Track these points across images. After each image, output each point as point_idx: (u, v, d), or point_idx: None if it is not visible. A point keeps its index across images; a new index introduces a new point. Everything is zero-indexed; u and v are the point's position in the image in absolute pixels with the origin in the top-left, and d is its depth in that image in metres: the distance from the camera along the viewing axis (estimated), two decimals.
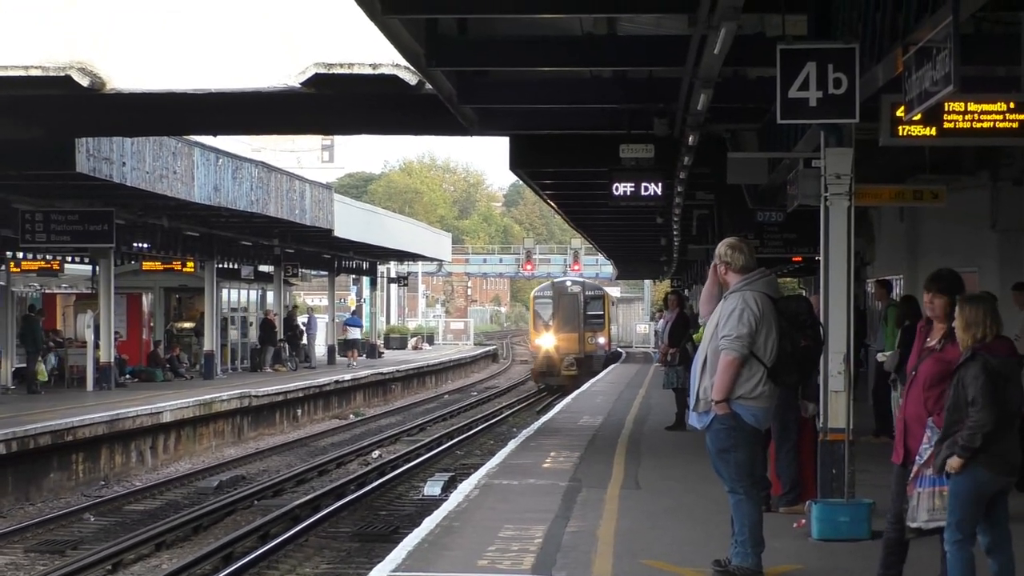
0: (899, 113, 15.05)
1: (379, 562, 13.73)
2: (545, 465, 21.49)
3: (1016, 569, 10.37)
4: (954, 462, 10.09)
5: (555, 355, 60.60)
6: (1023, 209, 26.06)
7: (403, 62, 21.09)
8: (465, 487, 19.21)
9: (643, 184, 25.40)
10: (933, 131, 15.05)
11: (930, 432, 10.60)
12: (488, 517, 16.15)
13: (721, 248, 12.38)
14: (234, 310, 58.81)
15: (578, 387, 44.64)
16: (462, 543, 14.36)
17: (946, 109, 14.71)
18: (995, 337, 10.28)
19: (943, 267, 12.22)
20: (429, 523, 15.76)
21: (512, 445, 25.26)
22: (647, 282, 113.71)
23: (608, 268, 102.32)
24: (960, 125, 14.94)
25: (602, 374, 57.74)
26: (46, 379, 40.89)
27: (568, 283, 67.60)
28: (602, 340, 64.38)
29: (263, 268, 61.22)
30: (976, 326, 10.35)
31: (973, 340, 10.21)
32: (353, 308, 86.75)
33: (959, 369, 10.28)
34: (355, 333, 72.91)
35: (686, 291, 55.49)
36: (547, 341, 61.47)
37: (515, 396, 62.64)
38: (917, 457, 10.82)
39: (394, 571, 12.81)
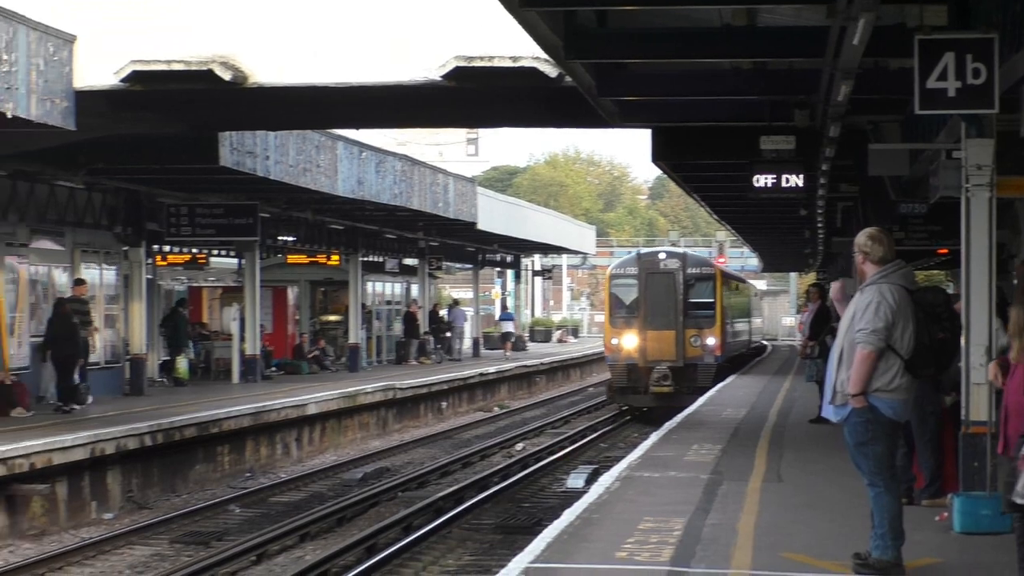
0: None
1: (518, 554, 13.72)
2: (687, 458, 21.42)
3: None
4: None
5: (641, 364, 40.97)
6: None
7: (543, 55, 21.07)
8: (606, 479, 19.23)
9: (784, 176, 25.28)
10: None
11: None
12: (628, 509, 16.15)
13: (860, 238, 12.31)
14: (379, 303, 59.41)
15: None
16: (601, 535, 14.36)
17: None
18: None
19: None
20: (569, 515, 15.79)
21: (654, 438, 25.21)
22: (792, 274, 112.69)
23: (753, 260, 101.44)
24: None
25: (751, 366, 54.00)
26: (185, 375, 41.10)
27: (661, 256, 43.86)
28: (711, 341, 41.79)
29: (408, 261, 61.54)
30: None
31: None
32: (497, 300, 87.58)
33: None
34: (509, 326, 74.31)
35: (828, 283, 54.83)
36: (629, 342, 41.42)
37: None
38: (1022, 436, 10.90)
39: (532, 563, 12.86)
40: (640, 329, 41.63)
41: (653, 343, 41.31)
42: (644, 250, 48.97)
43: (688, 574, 12.18)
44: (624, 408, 43.79)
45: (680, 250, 49.31)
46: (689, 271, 42.57)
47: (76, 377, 30.78)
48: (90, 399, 31.26)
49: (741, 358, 55.50)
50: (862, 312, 12.04)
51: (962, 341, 15.05)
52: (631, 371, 41.70)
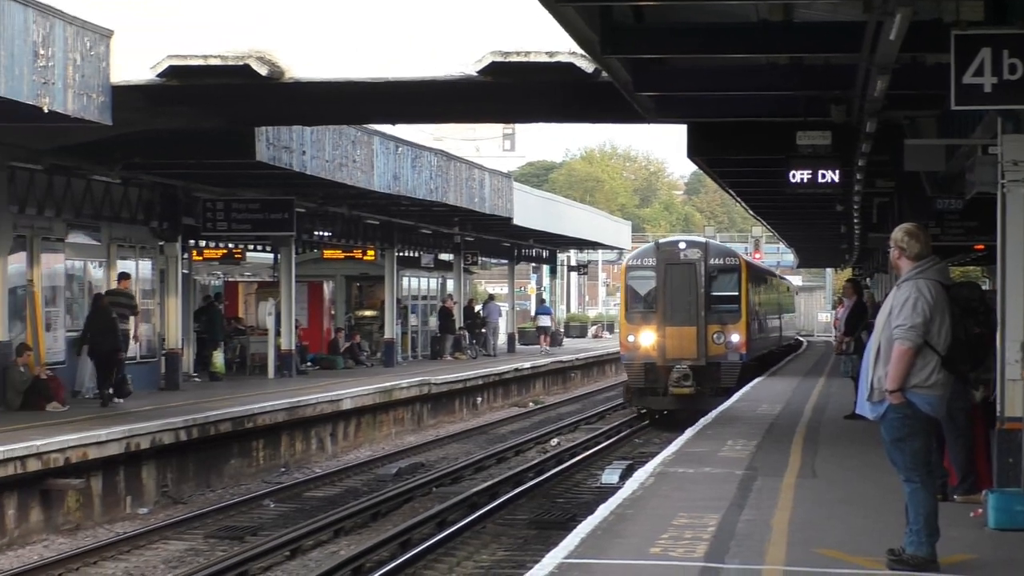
0: None
1: (553, 549, 13.70)
2: (721, 453, 21.42)
3: None
4: None
5: (659, 362, 36.90)
6: None
7: (579, 50, 21.05)
8: (640, 475, 19.23)
9: (820, 171, 25.19)
10: None
11: None
12: (662, 505, 16.15)
13: (897, 233, 12.30)
14: (414, 298, 59.39)
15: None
16: (635, 531, 14.37)
17: None
18: None
19: None
20: (603, 511, 15.81)
21: (689, 433, 25.17)
22: (828, 270, 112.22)
23: (789, 256, 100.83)
24: None
25: (783, 363, 52.56)
26: (222, 370, 41.16)
27: (681, 246, 39.24)
28: (736, 338, 37.68)
29: (443, 256, 61.48)
30: None
31: None
32: (533, 296, 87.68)
33: None
34: (546, 320, 74.45)
35: (867, 280, 54.30)
36: (646, 339, 37.32)
37: None
38: None
39: (567, 558, 12.84)
40: (659, 325, 37.51)
41: (673, 340, 37.04)
42: (663, 239, 43.71)
43: (722, 570, 12.17)
44: (642, 411, 39.67)
45: (702, 239, 44.43)
46: (711, 262, 38.32)
47: (119, 371, 30.78)
48: (121, 399, 31.02)
49: (771, 356, 52.53)
50: (899, 308, 12.00)
51: (997, 337, 15.24)
52: (649, 371, 37.73)
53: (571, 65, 22.46)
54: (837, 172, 25.99)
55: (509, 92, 25.33)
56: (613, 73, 21.17)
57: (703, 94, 24.13)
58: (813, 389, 35.64)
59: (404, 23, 23.43)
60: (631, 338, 38.30)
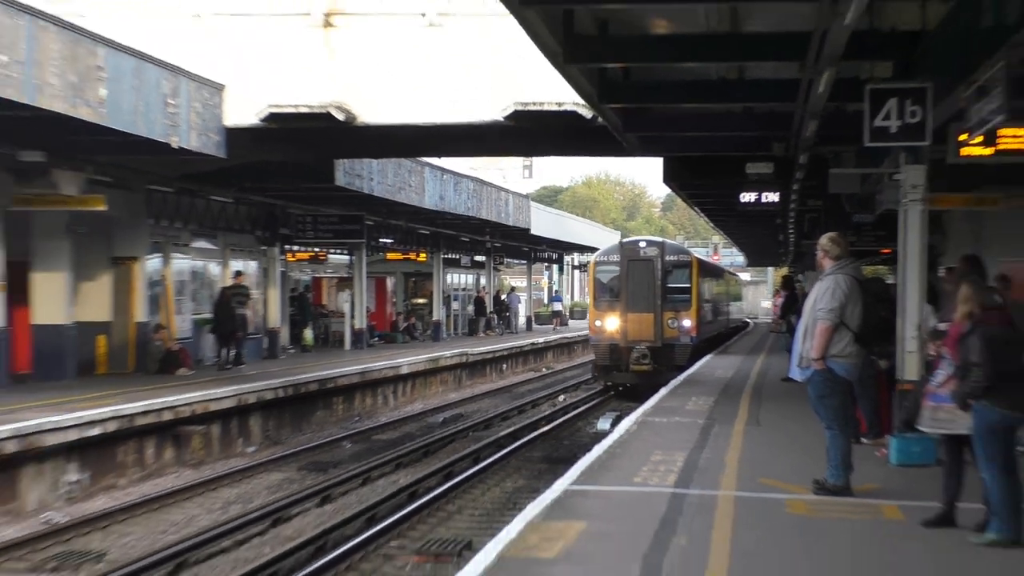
0: (962, 138, 14.68)
1: (560, 478, 13.69)
2: (687, 407, 21.27)
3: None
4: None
5: (622, 344, 34.24)
6: None
7: (580, 101, 20.92)
8: (626, 423, 19.10)
9: (764, 193, 25.12)
10: (990, 151, 14.56)
11: (947, 365, 10.55)
12: (642, 446, 16.07)
13: (822, 240, 12.34)
14: (455, 289, 59.05)
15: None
16: (621, 465, 14.33)
17: (1000, 133, 14.29)
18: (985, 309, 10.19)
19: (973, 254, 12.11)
20: (597, 450, 15.76)
21: (663, 392, 25.00)
22: (770, 268, 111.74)
23: (740, 258, 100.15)
24: (1012, 146, 14.45)
25: (733, 340, 51.63)
26: (311, 344, 41.32)
27: (642, 244, 36.27)
28: (687, 323, 34.94)
29: (477, 258, 61.19)
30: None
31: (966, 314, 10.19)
32: (545, 288, 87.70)
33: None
34: (558, 306, 75.28)
35: (799, 276, 53.80)
36: (611, 324, 34.53)
37: None
38: (932, 379, 10.83)
39: (570, 486, 12.82)
40: (621, 312, 34.67)
41: (633, 325, 34.22)
42: (626, 239, 39.53)
43: (687, 495, 12.15)
44: (608, 384, 36.34)
45: (659, 239, 39.61)
46: (667, 258, 35.41)
47: (237, 346, 30.93)
48: (243, 363, 31.31)
49: (722, 335, 49.47)
50: (822, 296, 12.00)
51: (897, 320, 15.15)
52: (613, 351, 34.80)
53: (575, 112, 22.33)
54: (777, 194, 25.95)
55: (527, 133, 25.16)
56: (607, 119, 21.08)
57: (675, 135, 23.96)
58: (757, 360, 35.39)
59: (447, 79, 23.32)
60: (598, 323, 35.62)
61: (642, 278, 34.58)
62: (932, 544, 10.11)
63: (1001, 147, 14.34)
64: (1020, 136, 14.20)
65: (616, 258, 35.34)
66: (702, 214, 49.78)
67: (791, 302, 28.50)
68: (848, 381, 12.10)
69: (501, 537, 10.36)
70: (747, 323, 77.00)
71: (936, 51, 14.27)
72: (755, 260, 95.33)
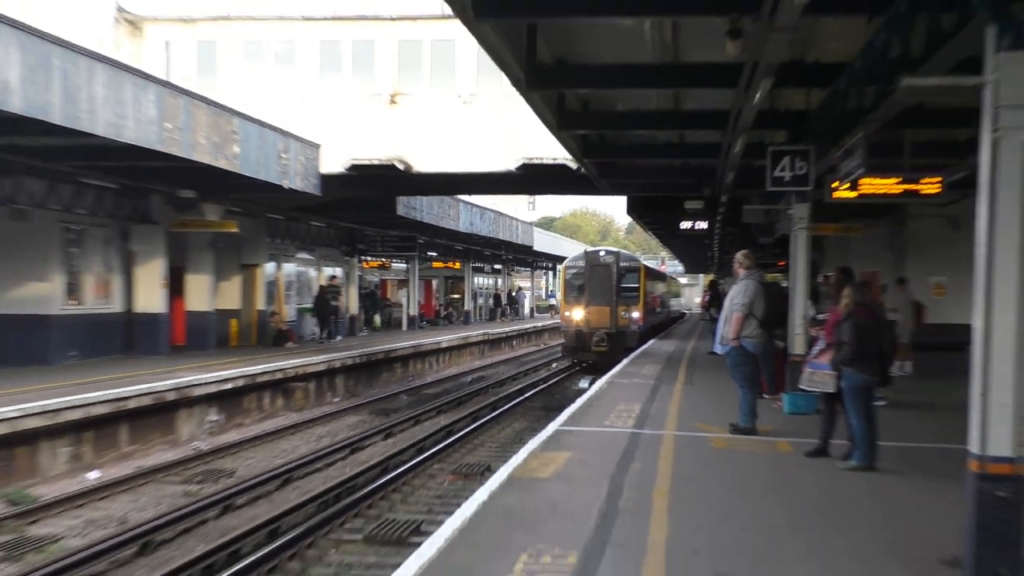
0: (834, 185, 14.67)
1: (552, 421, 13.74)
2: (643, 372, 21.27)
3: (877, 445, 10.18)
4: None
5: (585, 330, 32.29)
6: (903, 238, 25.41)
7: (569, 157, 20.99)
8: (599, 383, 19.14)
9: (697, 222, 25.02)
10: (854, 194, 14.56)
11: (821, 343, 10.69)
12: (610, 400, 16.08)
13: (738, 255, 12.34)
14: (480, 288, 59.07)
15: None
16: (595, 412, 14.31)
17: (860, 182, 14.31)
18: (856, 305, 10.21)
19: (846, 266, 12.18)
20: (579, 402, 15.75)
21: (625, 361, 25.06)
22: (701, 274, 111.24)
23: (680, 267, 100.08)
24: (869, 191, 14.46)
25: (674, 326, 50.43)
26: (379, 326, 41.33)
27: (601, 253, 34.22)
28: (636, 315, 33.06)
29: (496, 266, 60.84)
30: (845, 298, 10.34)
31: (850, 306, 10.21)
32: (544, 286, 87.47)
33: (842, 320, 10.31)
34: (553, 300, 74.83)
35: (721, 281, 53.68)
36: (577, 315, 32.63)
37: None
38: (811, 352, 10.95)
39: (560, 427, 12.83)
40: (585, 305, 32.79)
41: (594, 315, 32.23)
42: (590, 249, 37.78)
43: (642, 434, 12.11)
44: (575, 361, 34.27)
45: (615, 249, 37.22)
46: (621, 264, 33.38)
47: (330, 327, 31.10)
48: (338, 337, 31.59)
49: (663, 324, 46.51)
50: (737, 294, 11.98)
51: (789, 312, 15.16)
52: (578, 335, 32.96)
53: (565, 165, 22.41)
54: (706, 223, 25.65)
55: (532, 179, 25.02)
56: (587, 169, 21.07)
57: (635, 181, 23.96)
58: (690, 342, 35.10)
59: (475, 141, 23.31)
60: (567, 314, 33.76)
61: (601, 279, 33.07)
62: (811, 468, 10.11)
63: (861, 191, 14.34)
64: (875, 184, 14.22)
65: (582, 263, 33.83)
66: (653, 236, 50.31)
67: (714, 299, 28.51)
68: (755, 355, 12.04)
69: (511, 462, 10.36)
70: (684, 314, 75.70)
71: (816, 125, 14.31)
72: (691, 268, 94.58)
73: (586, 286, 33.32)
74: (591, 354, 33.11)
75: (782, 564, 6.90)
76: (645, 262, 39.14)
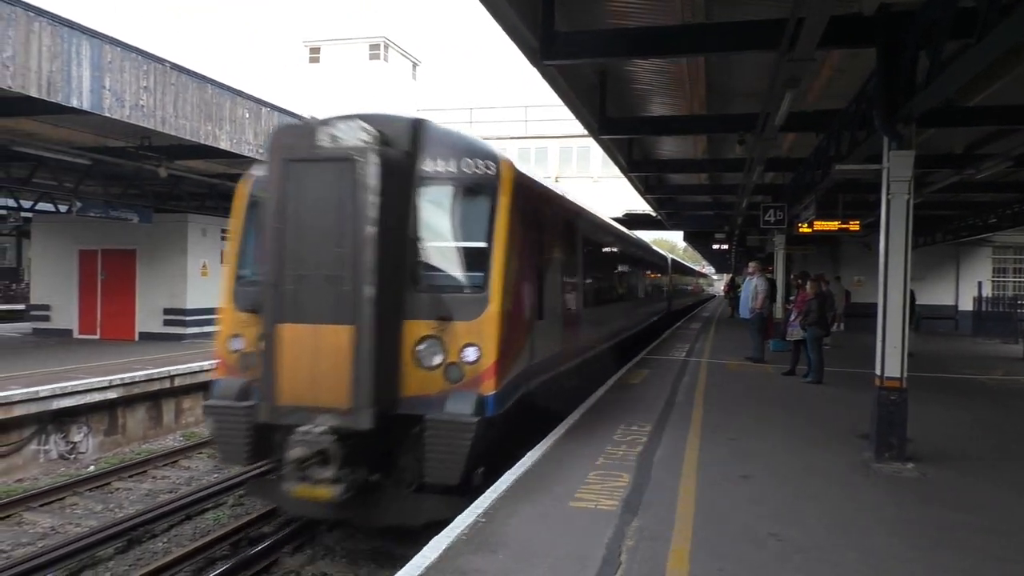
0: (800, 225, 16.15)
1: (639, 354, 13.90)
2: (691, 327, 22.47)
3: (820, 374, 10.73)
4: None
5: None
6: (839, 254, 27.94)
7: (650, 208, 23.25)
8: (667, 332, 20.52)
9: (723, 245, 28.18)
10: (810, 230, 15.89)
11: (794, 314, 12.22)
12: (674, 342, 17.81)
13: (752, 263, 14.36)
14: None
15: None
16: (666, 348, 16.13)
17: (816, 224, 15.92)
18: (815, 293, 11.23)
19: (806, 270, 12.96)
20: (656, 342, 17.58)
21: (682, 321, 26.46)
22: (724, 273, 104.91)
23: (712, 268, 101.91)
24: (819, 228, 15.86)
25: (708, 303, 51.34)
26: None
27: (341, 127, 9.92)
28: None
29: None
30: (813, 287, 11.49)
31: (813, 293, 11.39)
32: None
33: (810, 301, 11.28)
34: None
35: (736, 278, 50.26)
36: None
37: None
38: (789, 318, 12.62)
39: (645, 355, 14.44)
40: None
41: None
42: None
43: (689, 360, 13.47)
44: None
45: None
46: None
47: None
48: None
49: (701, 301, 47.55)
50: (760, 285, 13.97)
51: (778, 296, 16.43)
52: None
53: (648, 213, 23.97)
54: (727, 245, 28.14)
55: (632, 222, 24.93)
56: (661, 216, 23.31)
57: (688, 222, 26.25)
58: (718, 311, 38.34)
59: (603, 206, 24.46)
60: None
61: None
62: (785, 382, 11.34)
63: (815, 228, 15.75)
64: (822, 224, 15.67)
65: None
66: (697, 251, 55.09)
67: (732, 288, 32.00)
68: (765, 318, 13.78)
69: (616, 375, 11.64)
70: (713, 296, 79.77)
71: (787, 191, 16.15)
72: (719, 269, 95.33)
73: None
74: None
75: (767, 424, 8.46)
76: (691, 265, 39.88)
